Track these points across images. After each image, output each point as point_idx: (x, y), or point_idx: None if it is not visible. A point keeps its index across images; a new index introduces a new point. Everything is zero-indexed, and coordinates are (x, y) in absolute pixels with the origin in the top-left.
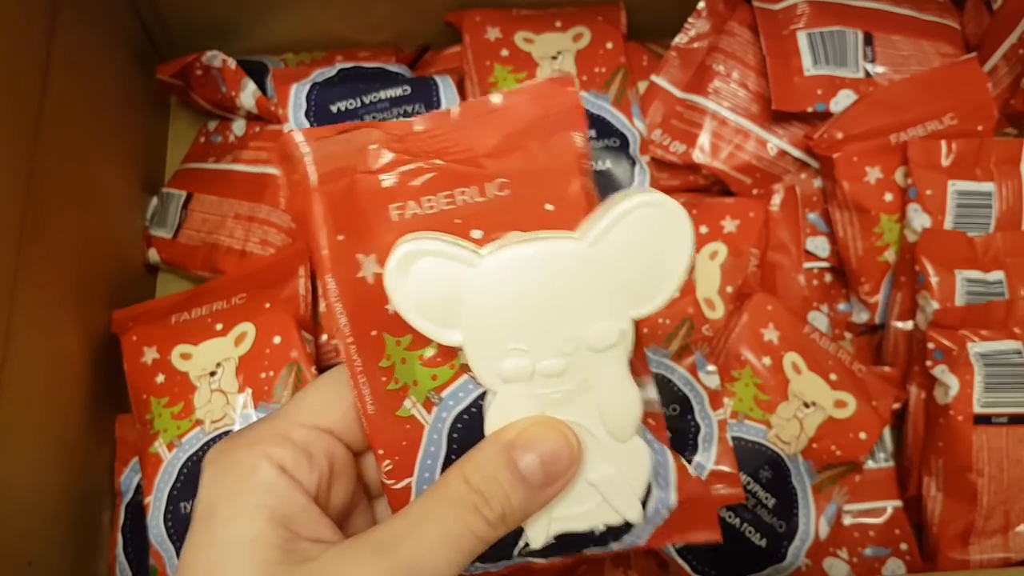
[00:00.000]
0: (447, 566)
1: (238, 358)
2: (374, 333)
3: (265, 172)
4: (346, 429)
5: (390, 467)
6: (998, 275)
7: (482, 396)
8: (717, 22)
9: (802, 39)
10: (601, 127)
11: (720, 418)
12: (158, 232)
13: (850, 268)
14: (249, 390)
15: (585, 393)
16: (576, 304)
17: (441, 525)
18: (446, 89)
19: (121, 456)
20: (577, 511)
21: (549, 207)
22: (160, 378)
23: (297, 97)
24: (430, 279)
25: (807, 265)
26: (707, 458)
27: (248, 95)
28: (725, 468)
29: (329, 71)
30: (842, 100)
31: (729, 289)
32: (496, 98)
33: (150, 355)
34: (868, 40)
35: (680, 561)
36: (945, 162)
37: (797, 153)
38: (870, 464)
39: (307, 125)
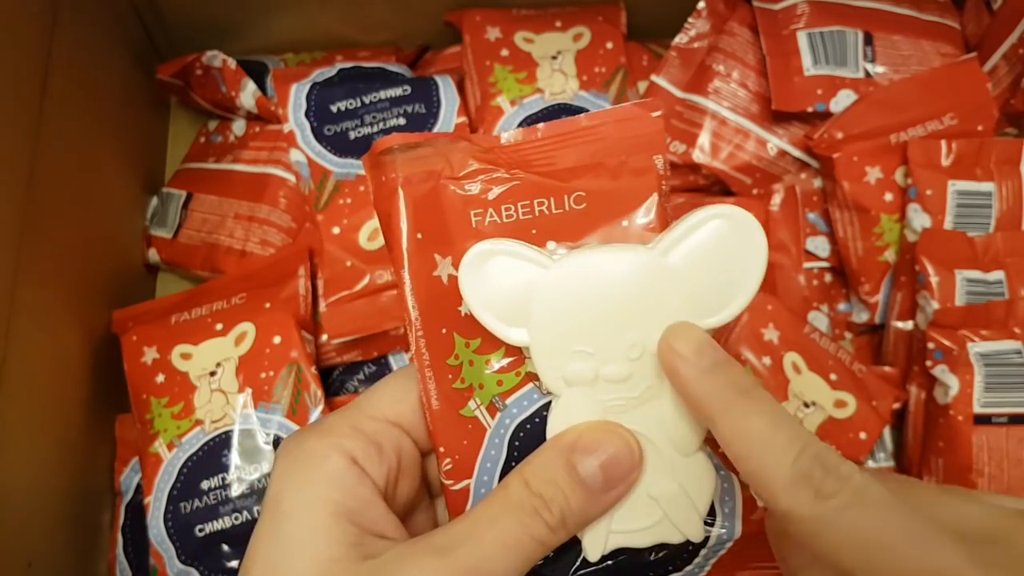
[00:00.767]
0: (507, 570)
1: (238, 358)
2: (444, 331)
3: (265, 172)
4: (415, 424)
5: (450, 466)
6: (998, 275)
7: (546, 407)
8: (717, 22)
9: (802, 39)
10: None
11: None
12: (158, 232)
13: (850, 268)
14: (249, 390)
15: (649, 403)
16: (644, 311)
17: (501, 529)
18: (446, 89)
19: (121, 456)
20: (637, 526)
21: (624, 223)
22: (160, 378)
23: (297, 97)
24: (502, 277)
25: (807, 265)
26: None
27: (248, 95)
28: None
29: (329, 71)
30: (842, 100)
31: None
32: (582, 118)
33: (150, 355)
34: (868, 40)
35: None
36: (945, 162)
37: (797, 153)
38: (870, 464)
39: (307, 125)
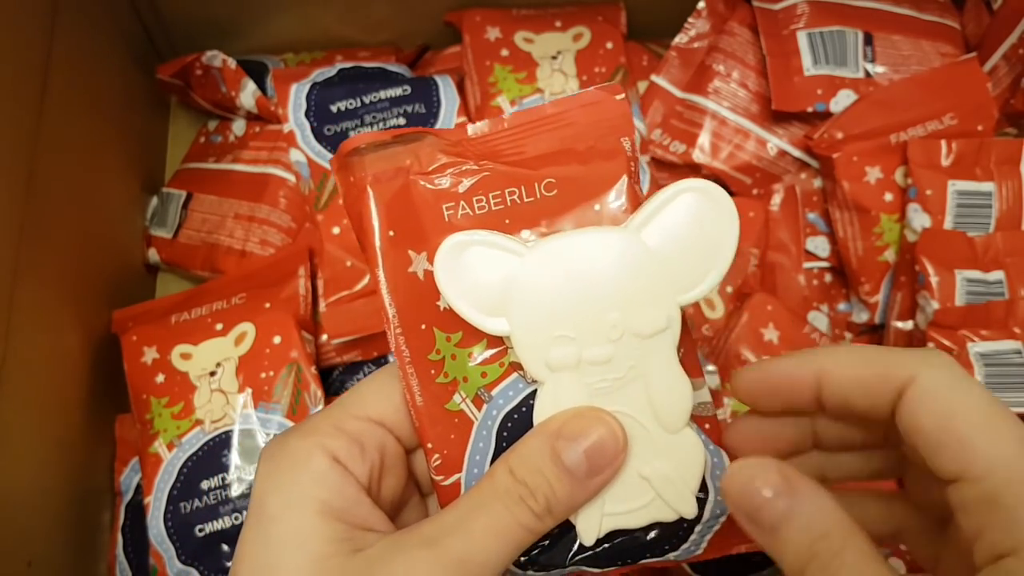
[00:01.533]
0: (496, 557)
1: (238, 358)
2: (424, 326)
3: (265, 172)
4: (398, 422)
5: (439, 461)
6: (998, 275)
7: (532, 395)
8: (717, 22)
9: (802, 39)
10: None
11: (720, 418)
12: (158, 232)
13: (850, 268)
14: (249, 390)
15: (634, 382)
16: (621, 290)
17: (489, 517)
18: (446, 89)
19: (121, 456)
20: (630, 506)
21: (597, 207)
22: (160, 378)
23: (297, 97)
24: (478, 268)
25: (807, 265)
26: None
27: (248, 95)
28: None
29: (329, 71)
30: (842, 100)
31: (729, 289)
32: (547, 105)
33: (150, 355)
34: (868, 40)
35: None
36: (945, 162)
37: (797, 153)
38: None
39: (307, 125)
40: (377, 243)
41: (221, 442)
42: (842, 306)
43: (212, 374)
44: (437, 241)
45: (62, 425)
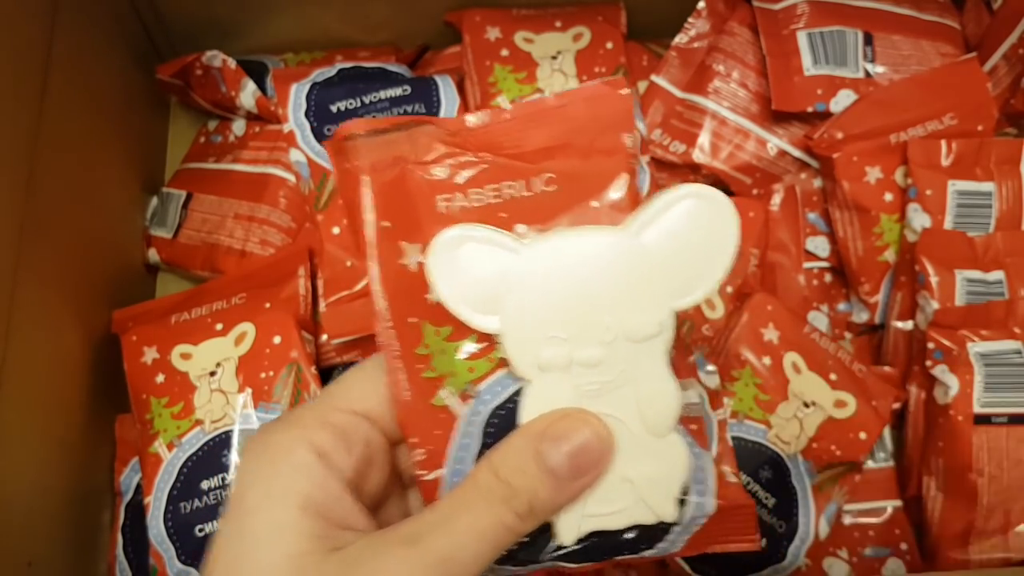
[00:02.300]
0: (477, 557)
1: (238, 358)
2: (413, 320)
3: (265, 172)
4: (383, 415)
5: (422, 456)
6: (998, 275)
7: (519, 392)
8: (717, 22)
9: (802, 39)
10: None
11: (720, 418)
12: (158, 232)
13: (850, 268)
14: (249, 390)
15: (623, 387)
16: (615, 293)
17: (471, 516)
18: (446, 89)
19: (121, 456)
20: (611, 508)
21: (595, 204)
22: (160, 378)
23: (297, 97)
24: (472, 263)
25: (807, 265)
26: None
27: (248, 95)
28: (725, 468)
29: (329, 71)
30: (842, 100)
31: (729, 289)
32: (549, 98)
33: (150, 355)
34: (868, 40)
35: (680, 561)
36: (945, 162)
37: (797, 153)
38: (870, 464)
39: (307, 125)
40: (370, 233)
41: (221, 442)
42: (842, 306)
43: (212, 374)
44: (431, 233)
45: (62, 425)
